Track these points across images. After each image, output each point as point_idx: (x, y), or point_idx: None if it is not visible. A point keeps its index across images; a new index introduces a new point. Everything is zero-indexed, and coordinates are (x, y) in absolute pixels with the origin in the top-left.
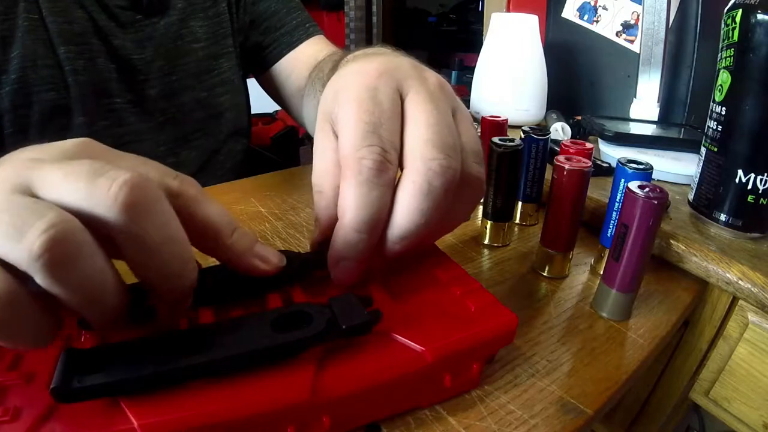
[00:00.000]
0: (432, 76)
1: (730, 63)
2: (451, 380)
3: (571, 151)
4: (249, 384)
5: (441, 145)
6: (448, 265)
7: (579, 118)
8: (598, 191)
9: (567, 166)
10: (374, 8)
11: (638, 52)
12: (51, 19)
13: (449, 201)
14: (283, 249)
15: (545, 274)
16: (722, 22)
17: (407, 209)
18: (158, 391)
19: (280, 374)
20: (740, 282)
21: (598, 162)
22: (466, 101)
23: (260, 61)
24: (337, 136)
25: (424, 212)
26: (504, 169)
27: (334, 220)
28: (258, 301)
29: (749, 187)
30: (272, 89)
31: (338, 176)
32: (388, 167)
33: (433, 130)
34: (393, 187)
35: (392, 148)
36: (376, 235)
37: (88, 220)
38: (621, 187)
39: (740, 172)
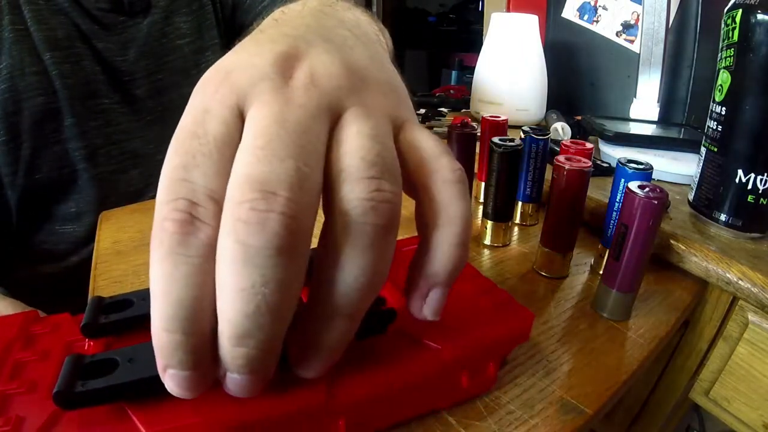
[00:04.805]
0: (304, 68)
1: (730, 63)
2: (468, 380)
3: (571, 151)
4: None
5: (261, 178)
6: None
7: (579, 118)
8: (598, 191)
9: (567, 166)
10: (374, 8)
11: (638, 52)
12: (35, 28)
13: (298, 262)
14: None
15: (545, 274)
16: (722, 22)
17: (224, 295)
18: (166, 397)
19: (294, 377)
20: (740, 282)
21: (598, 162)
22: (467, 101)
23: None
24: None
25: (249, 293)
26: (504, 169)
27: None
28: None
29: (749, 187)
30: None
31: None
32: (197, 227)
33: (257, 156)
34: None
35: (207, 195)
36: (199, 331)
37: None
38: (621, 187)
39: (740, 172)
